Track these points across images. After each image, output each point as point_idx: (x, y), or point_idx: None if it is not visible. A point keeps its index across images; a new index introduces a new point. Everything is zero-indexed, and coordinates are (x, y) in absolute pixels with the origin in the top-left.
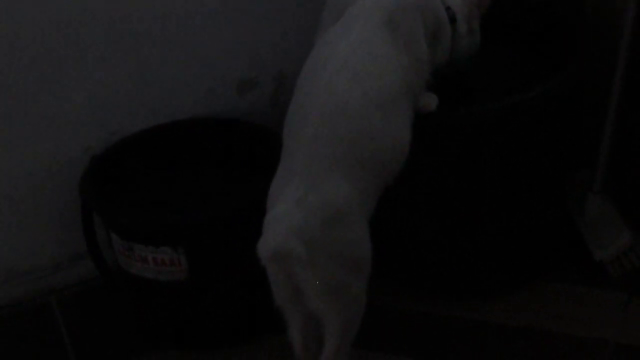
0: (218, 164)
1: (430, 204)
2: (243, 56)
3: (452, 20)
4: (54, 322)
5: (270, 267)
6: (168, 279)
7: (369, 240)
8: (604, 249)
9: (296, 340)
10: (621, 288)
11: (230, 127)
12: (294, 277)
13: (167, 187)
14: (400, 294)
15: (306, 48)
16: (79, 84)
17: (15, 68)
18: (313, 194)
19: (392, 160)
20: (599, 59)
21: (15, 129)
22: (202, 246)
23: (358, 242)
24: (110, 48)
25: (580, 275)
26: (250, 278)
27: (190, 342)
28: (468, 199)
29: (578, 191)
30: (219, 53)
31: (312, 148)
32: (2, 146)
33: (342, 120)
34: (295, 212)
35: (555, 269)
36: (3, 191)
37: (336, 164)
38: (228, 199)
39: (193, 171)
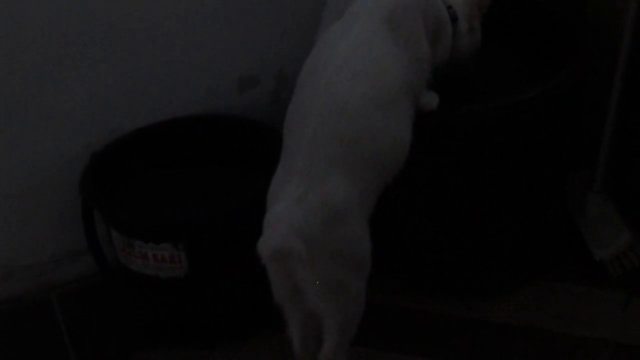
0: (218, 161)
1: (430, 204)
2: (243, 55)
3: (454, 19)
4: (54, 318)
5: (270, 265)
6: (168, 276)
7: (368, 239)
8: (604, 248)
9: (295, 338)
10: (621, 288)
11: (231, 125)
12: (293, 276)
13: (168, 184)
14: (401, 292)
15: (306, 47)
16: (79, 82)
17: (15, 67)
18: (313, 193)
19: (392, 159)
20: (599, 59)
21: (16, 127)
22: (202, 243)
23: (358, 241)
24: (110, 47)
25: (580, 274)
26: (249, 275)
27: (190, 338)
28: (468, 198)
29: (578, 191)
30: (219, 52)
31: (312, 147)
32: (2, 144)
33: (342, 119)
34: (296, 211)
35: (555, 268)
36: (3, 188)
37: (336, 163)
38: (228, 196)
39: (193, 169)
